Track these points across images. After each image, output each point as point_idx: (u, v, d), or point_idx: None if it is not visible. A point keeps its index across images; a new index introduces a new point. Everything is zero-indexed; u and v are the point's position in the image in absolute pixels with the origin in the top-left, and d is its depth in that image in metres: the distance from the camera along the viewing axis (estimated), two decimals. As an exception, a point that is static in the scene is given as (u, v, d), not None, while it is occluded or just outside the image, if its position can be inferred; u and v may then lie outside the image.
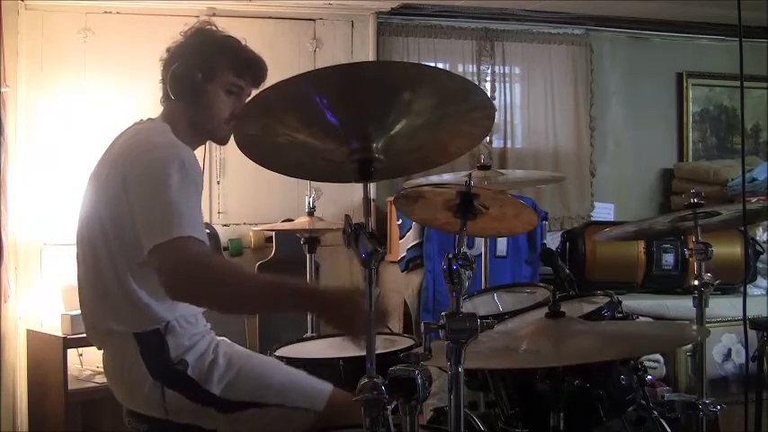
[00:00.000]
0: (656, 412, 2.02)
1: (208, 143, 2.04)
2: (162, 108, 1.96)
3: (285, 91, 1.30)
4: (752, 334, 3.19)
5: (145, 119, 1.94)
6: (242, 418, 1.77)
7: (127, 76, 3.69)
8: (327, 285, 1.92)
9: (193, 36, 1.95)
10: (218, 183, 3.83)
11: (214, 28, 1.98)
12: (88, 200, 1.86)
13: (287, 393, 1.81)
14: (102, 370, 1.91)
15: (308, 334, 2.79)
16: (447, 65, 4.42)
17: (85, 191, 1.88)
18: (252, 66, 1.94)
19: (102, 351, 1.89)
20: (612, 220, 4.52)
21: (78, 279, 1.88)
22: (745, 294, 3.54)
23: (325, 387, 1.85)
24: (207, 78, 1.88)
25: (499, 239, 3.57)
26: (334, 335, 2.51)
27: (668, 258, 3.73)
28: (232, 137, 1.62)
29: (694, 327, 2.15)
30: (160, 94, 1.95)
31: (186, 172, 1.70)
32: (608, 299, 2.11)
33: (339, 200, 3.84)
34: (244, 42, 1.97)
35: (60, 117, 3.63)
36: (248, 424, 1.78)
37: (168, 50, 1.94)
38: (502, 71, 4.55)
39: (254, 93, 1.91)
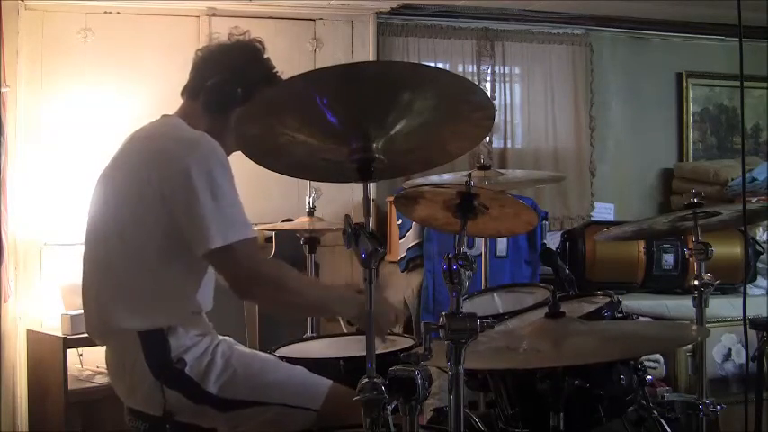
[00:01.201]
0: (656, 412, 2.02)
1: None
2: (179, 99, 1.96)
3: (285, 91, 1.30)
4: (752, 334, 3.19)
5: (160, 117, 1.94)
6: (240, 416, 1.79)
7: (127, 76, 3.69)
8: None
9: (243, 51, 1.95)
10: (218, 183, 3.82)
11: (261, 47, 1.98)
12: (101, 199, 1.87)
13: (285, 392, 1.82)
14: (102, 370, 1.92)
15: (308, 334, 2.80)
16: (447, 65, 4.42)
17: (96, 190, 1.89)
18: None
19: (104, 348, 1.90)
20: (612, 220, 4.52)
21: (84, 277, 1.89)
22: (745, 294, 3.54)
23: (323, 384, 1.86)
24: (244, 100, 1.87)
25: (499, 239, 3.56)
26: (334, 335, 2.51)
27: (668, 258, 3.73)
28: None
29: (694, 327, 2.16)
30: (164, 90, 1.95)
31: (225, 166, 1.77)
32: (608, 299, 2.11)
33: (339, 200, 3.84)
34: (279, 73, 1.98)
35: (60, 117, 3.62)
36: (247, 422, 1.79)
37: (209, 49, 1.95)
38: (502, 71, 4.54)
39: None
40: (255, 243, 1.79)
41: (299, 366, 1.93)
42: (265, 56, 1.98)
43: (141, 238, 1.76)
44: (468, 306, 1.35)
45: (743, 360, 3.55)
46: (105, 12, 3.75)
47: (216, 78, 1.89)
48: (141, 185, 1.76)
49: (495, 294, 2.62)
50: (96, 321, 1.87)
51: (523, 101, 4.60)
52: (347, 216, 1.32)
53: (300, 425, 1.80)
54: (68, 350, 3.17)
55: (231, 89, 1.88)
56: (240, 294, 1.79)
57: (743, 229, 3.30)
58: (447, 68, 4.18)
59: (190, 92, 1.95)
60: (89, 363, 3.38)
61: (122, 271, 1.79)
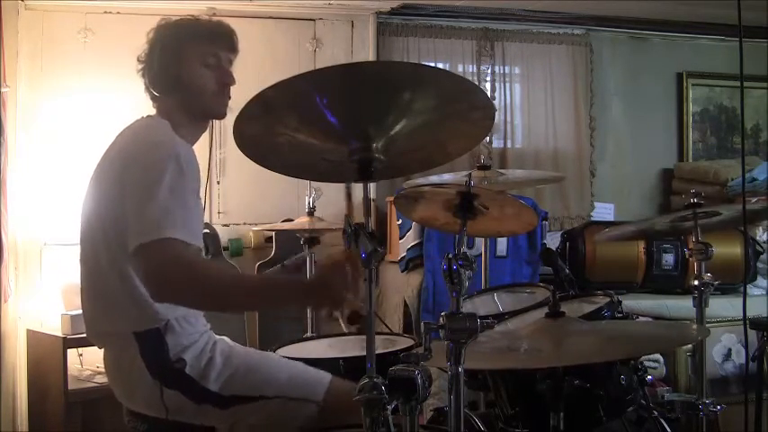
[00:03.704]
0: (656, 412, 2.03)
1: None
2: (155, 108, 1.97)
3: (285, 90, 1.30)
4: (752, 334, 3.19)
5: (144, 116, 1.95)
6: (241, 412, 1.78)
7: (127, 76, 3.63)
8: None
9: (153, 35, 1.97)
10: (218, 183, 3.82)
11: (170, 20, 1.98)
12: (89, 200, 1.86)
13: (285, 385, 1.82)
14: (102, 370, 1.91)
15: (308, 334, 2.80)
16: (447, 65, 4.42)
17: (86, 191, 1.88)
18: (215, 32, 1.93)
19: (103, 350, 1.89)
20: (612, 219, 4.52)
21: (80, 279, 1.89)
22: (745, 294, 3.54)
23: (324, 376, 1.86)
24: (176, 60, 1.89)
25: (499, 239, 3.57)
26: (334, 335, 2.51)
27: (668, 258, 3.73)
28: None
29: (694, 327, 2.16)
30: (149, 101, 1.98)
31: (181, 170, 1.69)
32: (608, 299, 2.12)
33: (339, 200, 3.84)
34: (205, 17, 1.97)
35: (60, 117, 3.62)
36: (248, 418, 1.79)
37: (139, 60, 1.99)
38: (502, 71, 4.55)
39: (234, 59, 1.94)
40: (184, 245, 1.61)
41: (296, 361, 1.93)
42: (166, 20, 1.97)
43: (122, 237, 1.74)
44: (468, 306, 1.35)
45: (743, 360, 3.55)
46: (105, 12, 3.75)
47: (155, 64, 1.93)
48: (114, 185, 1.75)
49: (495, 294, 2.62)
50: (92, 322, 1.87)
51: (523, 101, 4.60)
52: (347, 216, 1.32)
53: (303, 418, 1.80)
54: (68, 350, 3.17)
55: (162, 63, 1.91)
56: (154, 296, 1.63)
57: (743, 229, 3.30)
58: (447, 68, 4.18)
59: (152, 98, 1.98)
60: (89, 363, 3.38)
61: (110, 272, 1.77)
